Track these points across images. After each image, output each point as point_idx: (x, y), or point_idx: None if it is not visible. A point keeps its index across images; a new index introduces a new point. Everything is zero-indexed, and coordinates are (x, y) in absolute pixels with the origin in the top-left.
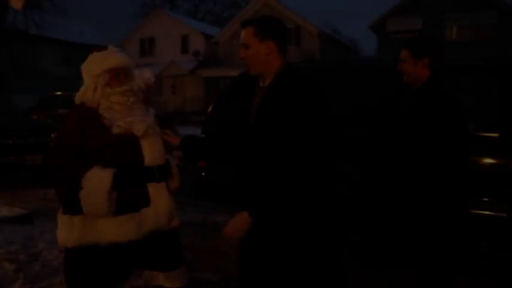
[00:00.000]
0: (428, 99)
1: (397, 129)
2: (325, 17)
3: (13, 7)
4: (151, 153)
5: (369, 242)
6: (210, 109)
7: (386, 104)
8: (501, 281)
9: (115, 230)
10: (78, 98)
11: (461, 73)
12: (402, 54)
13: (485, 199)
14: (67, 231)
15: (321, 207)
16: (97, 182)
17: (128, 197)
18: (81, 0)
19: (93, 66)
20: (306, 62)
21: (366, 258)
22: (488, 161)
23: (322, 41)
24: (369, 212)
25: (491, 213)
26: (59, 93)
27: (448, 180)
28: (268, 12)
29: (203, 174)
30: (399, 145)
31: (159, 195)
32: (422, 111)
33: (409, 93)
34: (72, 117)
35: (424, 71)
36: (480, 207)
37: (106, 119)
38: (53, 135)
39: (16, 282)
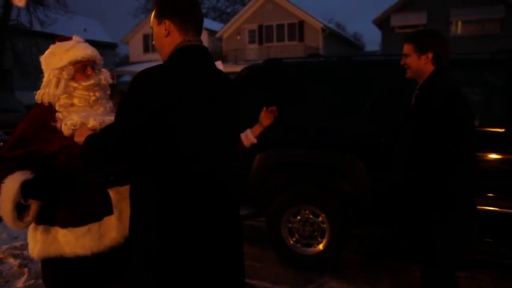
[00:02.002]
0: (433, 94)
1: (403, 124)
2: (329, 12)
3: (16, 4)
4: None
5: (375, 237)
6: None
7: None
8: (507, 278)
9: (75, 242)
10: (39, 95)
11: (466, 68)
12: (406, 49)
13: (491, 195)
14: (32, 242)
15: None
16: (7, 188)
17: (86, 205)
18: None
19: (56, 58)
20: (310, 56)
21: (371, 253)
22: (494, 156)
23: (325, 36)
24: (373, 208)
25: (497, 209)
26: None
27: (455, 176)
28: (272, 7)
29: None
30: (405, 141)
31: (123, 200)
32: (427, 106)
33: (414, 88)
34: (27, 119)
35: (428, 65)
36: (485, 203)
37: (59, 120)
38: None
39: (21, 278)
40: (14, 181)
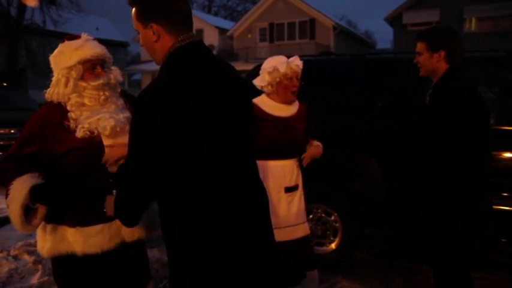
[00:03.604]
0: (446, 92)
1: (417, 123)
2: (341, 10)
3: (28, 4)
4: (121, 156)
5: (387, 237)
6: None
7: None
8: None
9: (85, 241)
10: (48, 93)
11: (482, 66)
12: (418, 47)
13: (506, 194)
14: (41, 241)
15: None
16: (16, 192)
17: (94, 205)
18: None
19: (64, 57)
20: (322, 54)
21: (383, 253)
22: (508, 155)
23: (337, 34)
24: (387, 208)
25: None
26: None
27: (469, 176)
28: (283, 5)
29: None
30: (418, 140)
31: None
32: (440, 105)
33: (428, 88)
34: (34, 117)
35: (440, 64)
36: (500, 203)
37: (72, 120)
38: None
39: (35, 274)
40: (23, 185)
